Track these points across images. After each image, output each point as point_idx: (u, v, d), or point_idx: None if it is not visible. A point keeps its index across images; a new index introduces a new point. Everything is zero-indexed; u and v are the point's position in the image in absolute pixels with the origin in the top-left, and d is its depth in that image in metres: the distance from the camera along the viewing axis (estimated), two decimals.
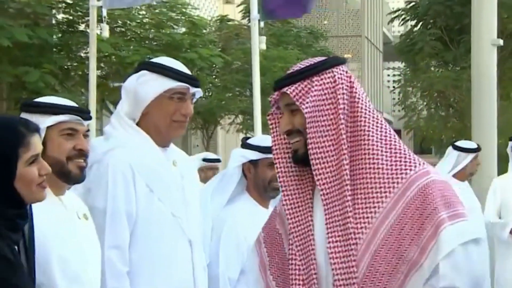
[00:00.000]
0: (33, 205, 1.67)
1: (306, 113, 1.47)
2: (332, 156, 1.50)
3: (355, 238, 1.46)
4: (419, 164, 1.52)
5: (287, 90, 1.50)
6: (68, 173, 1.90)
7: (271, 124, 1.61)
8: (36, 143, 1.57)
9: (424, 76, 14.27)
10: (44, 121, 1.88)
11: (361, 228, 1.46)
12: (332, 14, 24.01)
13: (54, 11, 9.95)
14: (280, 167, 1.58)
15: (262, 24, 5.01)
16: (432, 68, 14.67)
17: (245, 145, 2.58)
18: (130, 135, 2.21)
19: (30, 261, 1.66)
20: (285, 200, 1.57)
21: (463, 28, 11.38)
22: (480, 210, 5.62)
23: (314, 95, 1.49)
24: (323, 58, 1.64)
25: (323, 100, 1.50)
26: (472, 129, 8.00)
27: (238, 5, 12.69)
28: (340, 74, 1.52)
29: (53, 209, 1.87)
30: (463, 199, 1.72)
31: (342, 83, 1.51)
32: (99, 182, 2.17)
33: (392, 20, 17.02)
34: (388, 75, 27.36)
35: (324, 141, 1.50)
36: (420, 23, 14.42)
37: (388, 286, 1.44)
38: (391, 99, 21.68)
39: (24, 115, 1.91)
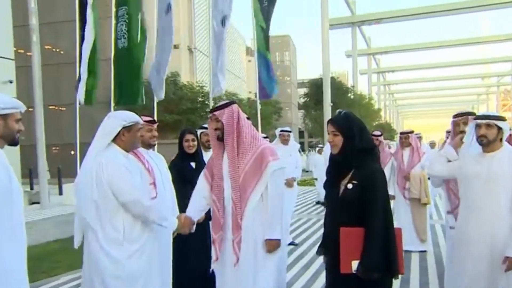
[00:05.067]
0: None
1: (223, 122, 3.14)
2: (231, 138, 3.14)
3: (238, 168, 3.12)
4: (261, 141, 3.18)
5: (215, 112, 3.19)
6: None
7: (209, 125, 3.26)
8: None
9: (311, 114, 32.92)
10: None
11: (241, 164, 3.12)
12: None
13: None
14: (212, 141, 3.28)
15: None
16: (313, 112, 32.11)
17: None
18: None
19: (198, 170, 3.63)
20: (214, 153, 3.28)
21: (321, 100, 25.11)
22: None
23: (225, 115, 3.16)
24: (230, 101, 3.25)
25: (228, 117, 3.15)
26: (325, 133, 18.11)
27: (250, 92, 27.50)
28: (235, 107, 3.19)
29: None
30: None
31: (236, 111, 3.18)
32: None
33: (300, 98, 35.87)
34: (300, 114, 51.10)
35: (229, 133, 3.14)
36: (309, 98, 32.69)
37: (249, 186, 3.09)
38: (301, 120, 42.49)
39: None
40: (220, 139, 3.20)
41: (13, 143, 2.61)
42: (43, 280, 5.82)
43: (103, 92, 10.19)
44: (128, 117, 3.12)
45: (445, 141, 4.89)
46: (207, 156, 4.78)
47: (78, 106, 10.10)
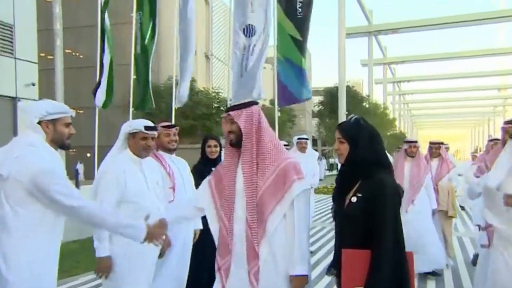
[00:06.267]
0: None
1: (240, 124, 2.58)
2: (249, 147, 2.59)
3: (256, 184, 2.57)
4: (285, 153, 2.63)
5: (230, 112, 2.63)
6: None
7: (223, 127, 2.68)
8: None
9: (325, 122, 33.36)
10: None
11: (259, 180, 2.57)
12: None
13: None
14: (226, 147, 2.71)
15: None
16: (327, 120, 32.74)
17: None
18: None
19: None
20: (225, 161, 2.72)
21: (336, 108, 23.87)
22: None
23: (243, 117, 2.59)
24: (250, 100, 2.70)
25: (247, 119, 2.58)
26: None
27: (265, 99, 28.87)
28: (256, 109, 2.63)
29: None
30: None
31: (256, 113, 2.61)
32: None
33: (315, 106, 36.62)
34: (314, 121, 51.75)
35: (246, 138, 2.58)
36: (324, 107, 33.27)
37: (269, 205, 2.54)
38: (315, 129, 43.37)
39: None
40: (234, 144, 2.68)
41: (63, 147, 2.61)
42: (64, 280, 5.90)
43: (120, 97, 10.39)
44: (134, 124, 3.21)
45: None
46: None
47: (97, 109, 10.33)
